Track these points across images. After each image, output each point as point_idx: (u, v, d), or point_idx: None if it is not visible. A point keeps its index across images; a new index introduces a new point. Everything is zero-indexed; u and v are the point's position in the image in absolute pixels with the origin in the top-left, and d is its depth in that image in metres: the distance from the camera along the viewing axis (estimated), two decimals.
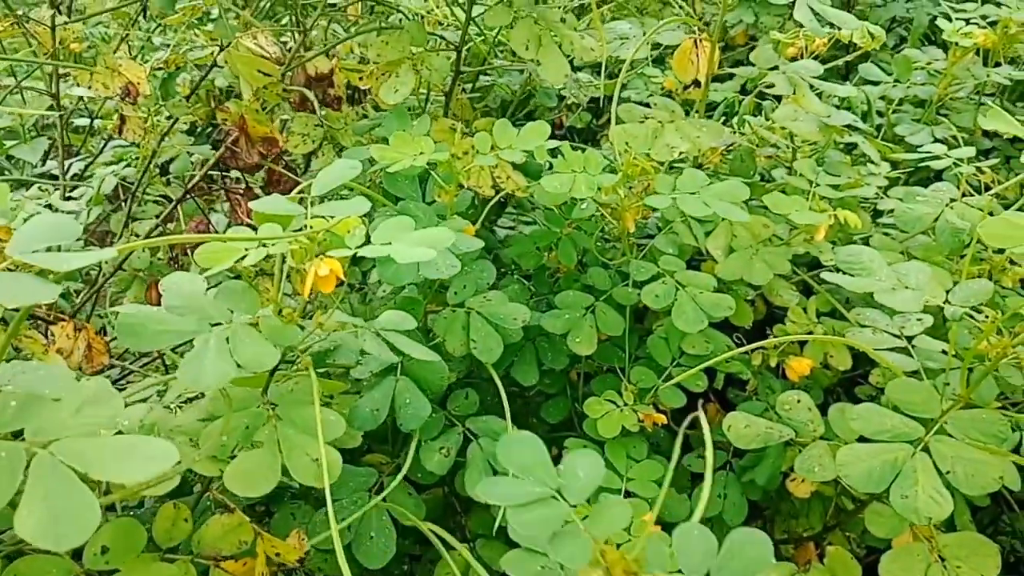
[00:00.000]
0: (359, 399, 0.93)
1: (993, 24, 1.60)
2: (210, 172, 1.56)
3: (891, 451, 0.82)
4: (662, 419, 1.08)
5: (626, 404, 1.07)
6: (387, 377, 0.94)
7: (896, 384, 0.88)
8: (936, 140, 1.48)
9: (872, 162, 1.36)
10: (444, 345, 0.98)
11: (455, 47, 1.17)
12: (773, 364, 1.13)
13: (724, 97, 1.47)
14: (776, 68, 1.16)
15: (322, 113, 1.34)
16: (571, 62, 1.28)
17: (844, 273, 0.91)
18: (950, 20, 1.57)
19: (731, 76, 1.67)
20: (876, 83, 1.64)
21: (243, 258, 0.66)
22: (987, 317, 0.86)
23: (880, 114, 1.66)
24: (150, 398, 0.79)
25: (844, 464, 0.82)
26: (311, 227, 0.69)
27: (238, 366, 0.61)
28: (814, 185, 1.14)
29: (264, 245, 0.67)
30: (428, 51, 1.13)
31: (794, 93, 1.11)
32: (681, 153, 1.11)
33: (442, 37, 1.17)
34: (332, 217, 0.69)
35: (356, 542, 0.91)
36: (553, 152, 1.06)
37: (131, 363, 1.27)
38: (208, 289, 0.72)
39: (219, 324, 0.65)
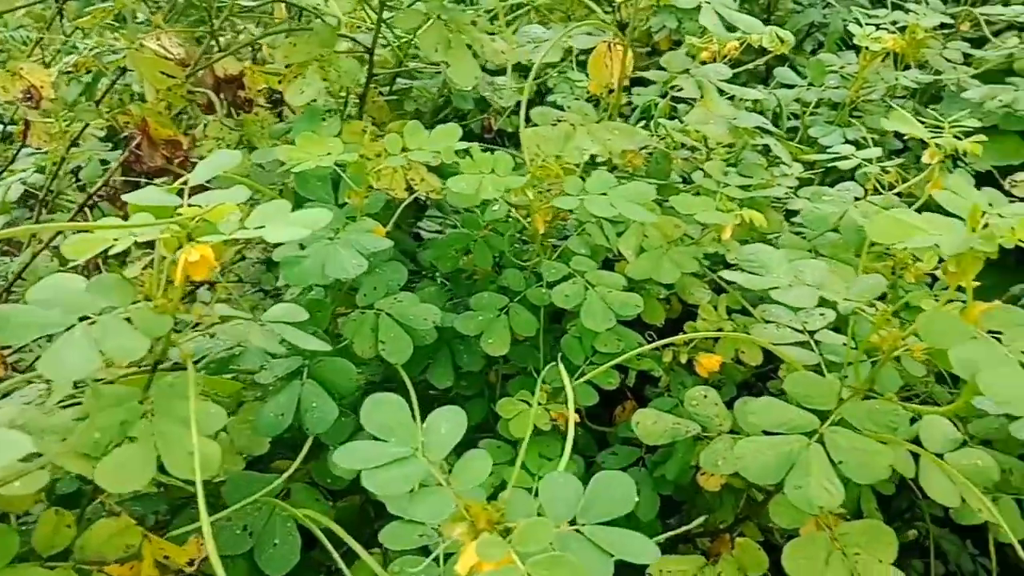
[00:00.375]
0: (264, 404, 0.91)
1: (903, 29, 1.66)
2: (134, 179, 1.52)
3: (787, 443, 0.84)
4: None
5: (539, 404, 1.08)
6: (293, 381, 0.93)
7: (794, 378, 0.90)
8: (847, 141, 1.52)
9: (784, 163, 1.39)
10: (352, 347, 0.97)
11: (367, 50, 1.17)
12: (684, 361, 1.15)
13: (646, 101, 1.49)
14: (687, 72, 1.18)
15: (236, 115, 1.32)
16: (490, 66, 1.29)
17: (744, 271, 0.93)
18: (861, 25, 1.62)
19: (654, 81, 1.70)
20: (792, 86, 1.68)
21: (110, 248, 0.65)
22: (877, 310, 0.89)
23: (796, 116, 1.71)
24: (32, 402, 0.77)
25: (742, 457, 0.84)
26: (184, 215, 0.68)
27: (104, 357, 0.60)
28: (722, 186, 1.16)
29: (133, 234, 0.65)
30: (337, 53, 1.12)
31: (702, 96, 1.13)
32: (594, 156, 1.13)
33: (354, 40, 1.17)
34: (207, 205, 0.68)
35: (258, 548, 0.90)
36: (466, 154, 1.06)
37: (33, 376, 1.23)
38: None
39: (88, 317, 0.64)
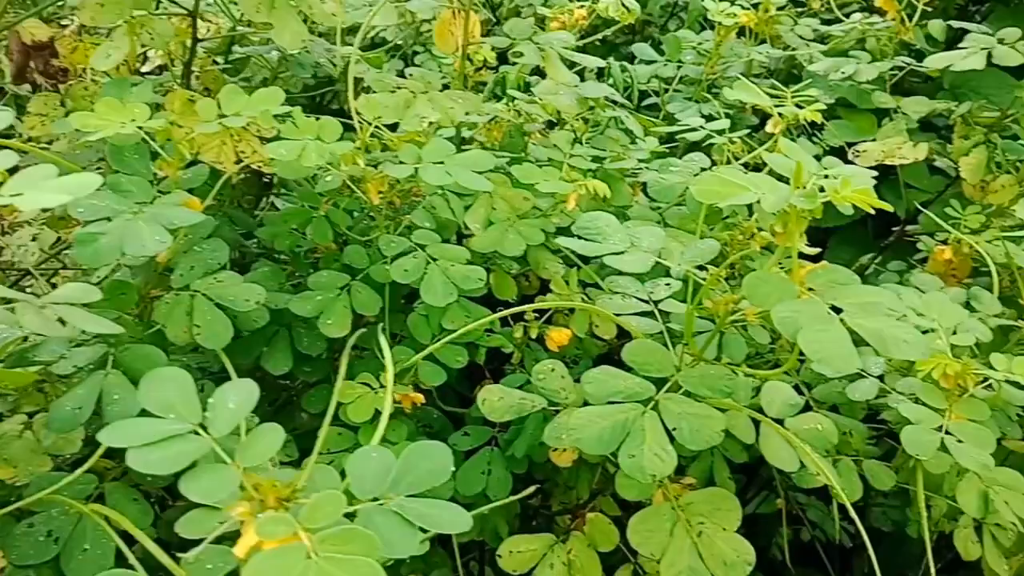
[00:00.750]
0: (60, 397, 0.82)
1: (756, 6, 1.69)
2: None
3: (623, 411, 0.82)
4: (419, 398, 1.04)
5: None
6: (96, 372, 0.84)
7: (631, 346, 0.89)
8: (704, 116, 1.52)
9: (639, 137, 1.38)
10: (166, 333, 0.89)
11: (189, 12, 1.08)
12: (534, 336, 1.12)
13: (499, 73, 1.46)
14: (529, 39, 1.15)
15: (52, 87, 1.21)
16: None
17: (581, 238, 0.90)
18: (716, 1, 1.63)
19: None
20: (650, 62, 1.68)
21: None
22: (709, 275, 0.88)
23: (656, 93, 1.71)
24: None
25: (576, 428, 0.81)
26: None
27: None
28: (569, 156, 1.14)
29: None
30: (155, 16, 1.03)
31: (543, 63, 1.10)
32: (433, 125, 1.08)
33: (174, 1, 1.08)
34: None
35: (65, 555, 0.81)
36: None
37: None
38: None
39: None
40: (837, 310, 0.72)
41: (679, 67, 1.65)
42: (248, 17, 0.97)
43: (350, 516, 0.62)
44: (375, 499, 0.63)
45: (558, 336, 1.10)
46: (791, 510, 1.61)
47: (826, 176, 0.80)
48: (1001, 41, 1.29)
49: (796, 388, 1.18)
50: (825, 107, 1.20)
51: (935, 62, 1.33)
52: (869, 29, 1.54)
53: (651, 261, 0.86)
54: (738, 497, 1.65)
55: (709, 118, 1.46)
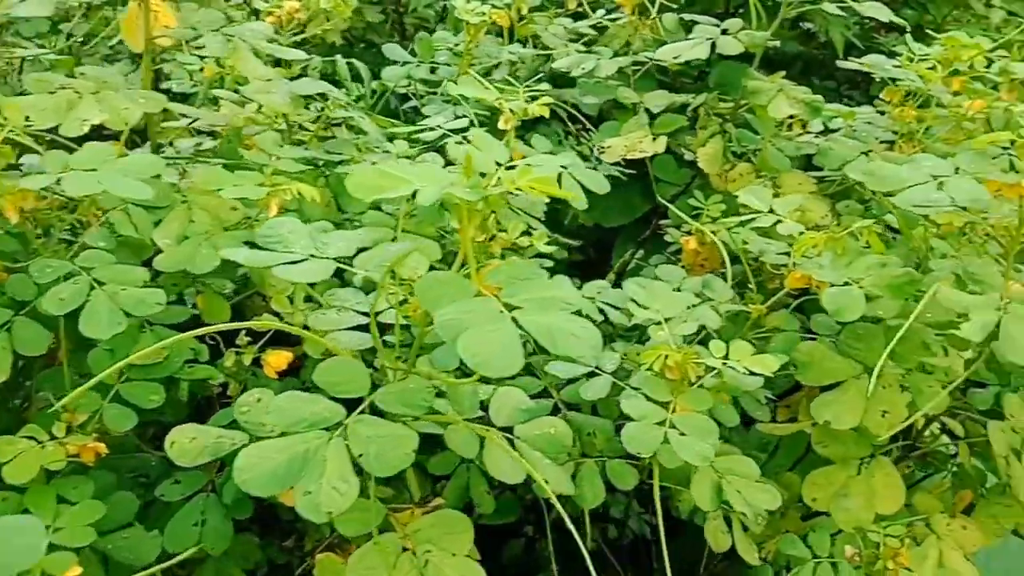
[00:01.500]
0: None
1: (510, 6, 1.65)
2: None
3: (304, 442, 0.72)
4: (102, 448, 0.89)
5: (53, 437, 0.87)
6: None
7: (322, 366, 0.79)
8: (457, 118, 1.47)
9: (380, 139, 1.30)
10: None
11: None
12: (248, 362, 1.00)
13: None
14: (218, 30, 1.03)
15: None
16: None
17: (257, 248, 0.80)
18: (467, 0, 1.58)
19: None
20: (405, 63, 1.61)
21: None
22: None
23: (415, 96, 1.64)
24: None
25: (243, 468, 0.70)
26: None
27: None
28: (275, 159, 1.04)
29: None
30: None
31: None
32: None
33: None
34: None
35: None
36: None
37: None
38: None
39: None
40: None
41: (433, 69, 1.59)
42: None
43: None
44: None
45: (275, 360, 0.99)
46: (599, 510, 1.58)
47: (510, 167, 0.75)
48: (724, 32, 1.31)
49: (545, 392, 1.14)
50: (552, 101, 1.16)
51: (664, 54, 1.34)
52: (611, 25, 1.54)
53: (331, 269, 0.77)
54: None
55: (460, 119, 1.40)
